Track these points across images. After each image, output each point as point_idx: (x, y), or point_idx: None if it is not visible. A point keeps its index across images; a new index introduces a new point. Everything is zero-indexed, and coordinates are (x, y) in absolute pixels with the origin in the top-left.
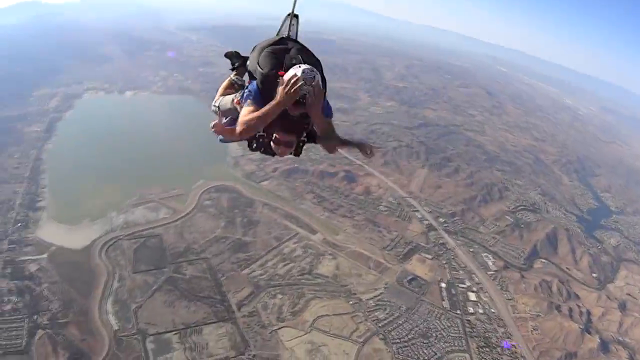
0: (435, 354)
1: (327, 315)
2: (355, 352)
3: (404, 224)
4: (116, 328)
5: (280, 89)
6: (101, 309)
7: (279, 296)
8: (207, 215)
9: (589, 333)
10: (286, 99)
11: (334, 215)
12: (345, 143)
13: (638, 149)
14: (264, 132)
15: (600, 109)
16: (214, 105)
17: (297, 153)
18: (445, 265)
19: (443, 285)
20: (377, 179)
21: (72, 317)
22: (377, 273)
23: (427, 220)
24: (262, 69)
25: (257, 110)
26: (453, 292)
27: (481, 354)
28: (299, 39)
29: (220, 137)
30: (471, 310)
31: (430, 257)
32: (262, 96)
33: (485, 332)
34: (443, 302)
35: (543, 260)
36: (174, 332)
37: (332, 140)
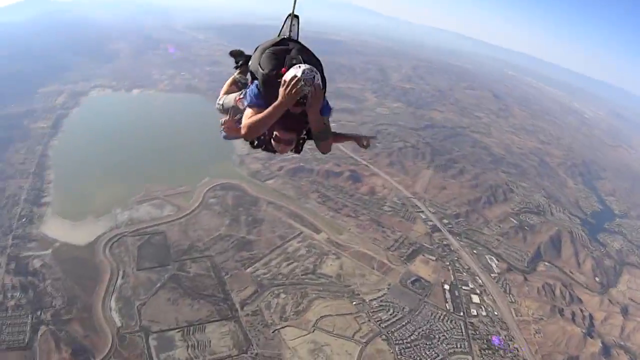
0: (438, 355)
1: (330, 315)
2: (357, 353)
3: (408, 225)
4: (119, 325)
5: (281, 90)
6: (104, 306)
7: (282, 295)
8: (211, 213)
9: (591, 337)
10: (287, 100)
11: (339, 215)
12: (342, 138)
13: None
14: None
15: (607, 112)
16: (218, 104)
17: (298, 150)
18: (449, 267)
19: (446, 287)
20: (382, 179)
21: (75, 313)
22: (381, 274)
23: (431, 221)
24: (263, 69)
25: (260, 112)
26: (456, 294)
27: (483, 356)
28: (300, 40)
29: (224, 133)
30: (474, 312)
31: (434, 258)
32: (264, 97)
33: (487, 335)
34: (446, 304)
35: (546, 263)
36: (177, 330)
37: (327, 139)
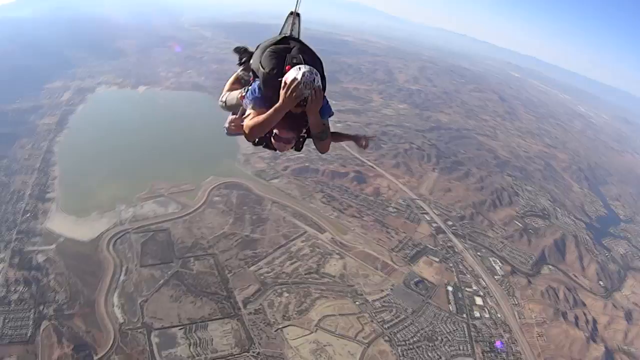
0: (440, 357)
1: (332, 315)
2: (360, 353)
3: (413, 226)
4: (122, 321)
5: (281, 93)
6: (107, 302)
7: (285, 294)
8: (216, 211)
9: (594, 341)
10: (287, 103)
11: (343, 215)
12: (341, 137)
13: None
14: None
15: (613, 117)
16: (221, 101)
17: (298, 148)
18: (453, 269)
19: (450, 288)
20: (388, 181)
21: (78, 308)
22: (384, 274)
23: (435, 222)
24: (263, 68)
25: (261, 112)
26: (460, 295)
27: (486, 359)
28: (305, 38)
29: (226, 130)
30: (477, 314)
31: (437, 259)
32: (264, 96)
33: (490, 337)
34: (449, 306)
35: (550, 267)
36: (179, 327)
37: (326, 140)
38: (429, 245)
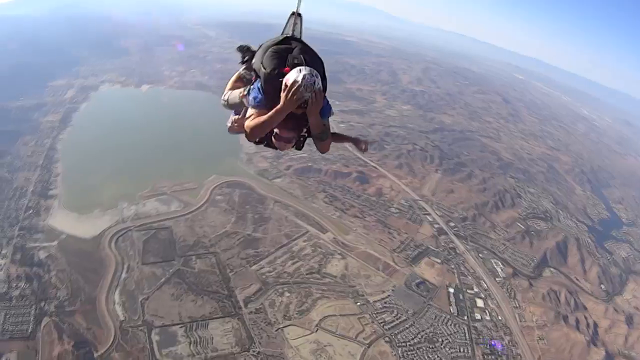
0: (441, 359)
1: (333, 315)
2: (360, 354)
3: (415, 227)
4: (122, 319)
5: (282, 95)
6: (108, 299)
7: (287, 294)
8: (218, 210)
9: (595, 345)
10: (288, 105)
11: (345, 215)
12: (341, 138)
13: None
14: None
15: (616, 120)
16: (223, 99)
17: (299, 147)
18: (454, 270)
19: (451, 290)
20: (390, 181)
21: (79, 305)
22: (386, 275)
23: (438, 224)
24: (265, 68)
25: (261, 112)
26: (461, 297)
27: None
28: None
29: (228, 128)
30: (478, 316)
31: (439, 261)
32: (265, 96)
33: (491, 340)
34: (450, 307)
35: (552, 269)
36: (179, 325)
37: (326, 140)
38: (431, 247)
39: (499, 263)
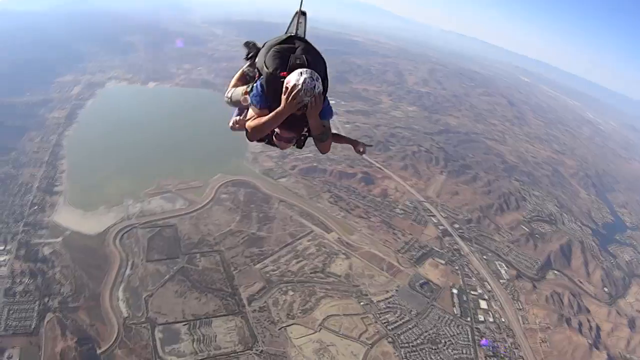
0: None
1: (337, 315)
2: (363, 354)
3: (419, 228)
4: (126, 315)
5: (283, 98)
6: (112, 296)
7: (290, 293)
8: (223, 209)
9: (597, 348)
10: (288, 108)
11: (350, 216)
12: (340, 139)
13: None
14: None
15: (621, 125)
16: (227, 96)
17: (300, 146)
18: (458, 272)
19: (455, 291)
20: (395, 182)
21: (82, 302)
22: (390, 275)
23: (442, 225)
24: (267, 68)
25: (263, 111)
26: (464, 298)
27: None
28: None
29: (231, 125)
30: (481, 318)
31: (443, 262)
32: (267, 95)
33: (494, 342)
34: (454, 309)
35: (556, 272)
36: (183, 323)
37: (325, 141)
38: (435, 248)
39: (503, 265)
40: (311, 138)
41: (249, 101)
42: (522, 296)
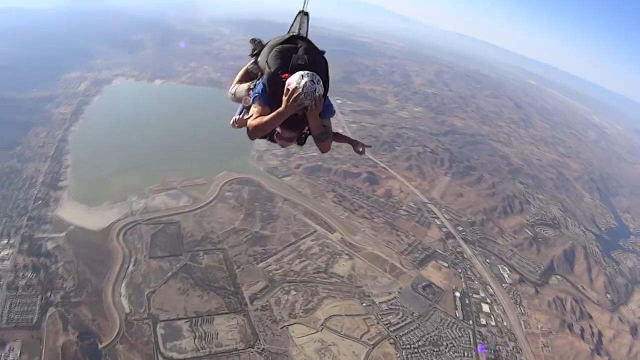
0: None
1: (339, 315)
2: (364, 355)
3: (423, 230)
4: (128, 311)
5: (283, 99)
6: (114, 291)
7: (293, 292)
8: (227, 207)
9: (599, 354)
10: (288, 110)
11: (354, 216)
12: (340, 139)
13: None
14: None
15: (627, 128)
16: (231, 92)
17: (301, 143)
18: (461, 274)
19: (457, 294)
20: (400, 183)
21: (85, 297)
22: (392, 277)
23: (446, 227)
24: (269, 68)
25: (264, 110)
26: (467, 302)
27: None
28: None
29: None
30: (483, 321)
31: (446, 264)
32: (268, 94)
33: (495, 345)
34: (456, 311)
35: (559, 277)
36: (185, 320)
37: (326, 141)
38: (439, 250)
39: (506, 269)
40: (311, 137)
41: (251, 98)
42: (524, 301)
